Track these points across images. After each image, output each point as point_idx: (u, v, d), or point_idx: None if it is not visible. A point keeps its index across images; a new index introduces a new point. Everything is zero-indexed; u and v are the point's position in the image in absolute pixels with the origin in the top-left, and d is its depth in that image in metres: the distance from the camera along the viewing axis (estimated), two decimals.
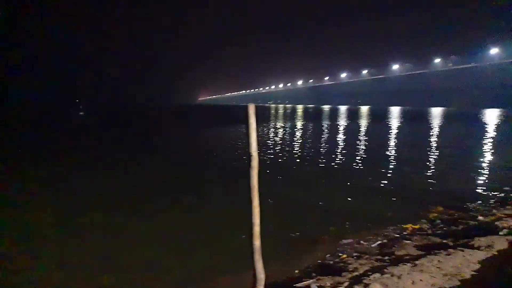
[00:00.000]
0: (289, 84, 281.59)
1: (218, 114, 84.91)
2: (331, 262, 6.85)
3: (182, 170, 16.43)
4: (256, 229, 3.68)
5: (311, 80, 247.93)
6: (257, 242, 3.67)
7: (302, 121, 54.97)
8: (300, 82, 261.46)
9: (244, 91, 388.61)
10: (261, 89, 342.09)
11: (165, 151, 23.41)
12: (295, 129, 39.35)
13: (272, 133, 33.68)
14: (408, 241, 7.45)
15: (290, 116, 73.06)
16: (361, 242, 7.82)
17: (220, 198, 11.49)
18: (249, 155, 3.71)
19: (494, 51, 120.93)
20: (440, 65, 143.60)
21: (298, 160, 18.44)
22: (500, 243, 6.20)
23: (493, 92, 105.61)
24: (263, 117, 64.70)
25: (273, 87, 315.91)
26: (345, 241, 7.88)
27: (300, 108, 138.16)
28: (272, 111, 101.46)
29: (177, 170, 16.45)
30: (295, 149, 22.73)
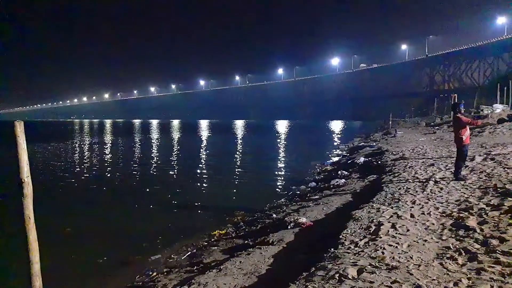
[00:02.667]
0: (94, 98, 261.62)
1: None
2: (141, 283, 6.53)
3: None
4: (36, 267, 3.09)
5: (119, 94, 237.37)
6: (37, 283, 3.09)
7: (112, 136, 51.75)
8: (106, 95, 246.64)
9: (38, 105, 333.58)
10: (61, 103, 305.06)
11: None
12: (103, 145, 36.64)
13: (72, 150, 30.44)
14: (216, 247, 7.81)
15: (97, 132, 67.70)
16: (172, 256, 7.76)
17: None
18: (19, 181, 3.11)
19: (280, 71, 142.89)
20: (240, 82, 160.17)
21: (98, 179, 17.14)
22: (288, 236, 7.14)
23: (281, 106, 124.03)
24: (66, 133, 57.89)
25: (75, 100, 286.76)
26: (154, 258, 7.66)
27: (108, 122, 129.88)
28: (76, 127, 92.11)
29: None
30: (100, 165, 21.09)
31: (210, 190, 14.39)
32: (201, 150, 31.41)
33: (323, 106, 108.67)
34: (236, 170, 19.24)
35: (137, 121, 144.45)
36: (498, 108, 26.54)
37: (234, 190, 14.27)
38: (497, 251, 4.27)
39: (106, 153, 29.18)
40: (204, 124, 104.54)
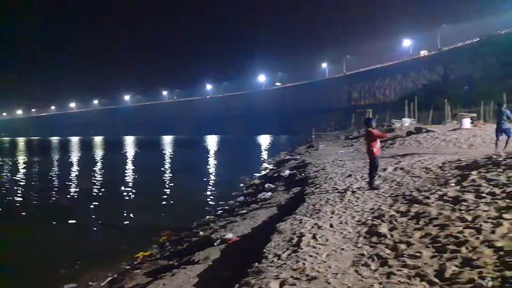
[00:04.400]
0: (4, 114, 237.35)
1: None
2: None
3: None
4: None
5: (34, 110, 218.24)
6: None
7: (24, 156, 47.19)
8: (19, 112, 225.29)
9: None
10: None
11: None
12: (16, 166, 33.24)
13: None
14: (138, 270, 7.43)
15: (8, 151, 61.29)
16: (89, 283, 7.22)
17: None
18: None
19: (209, 87, 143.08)
20: (167, 97, 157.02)
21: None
22: (214, 253, 7.05)
23: (210, 121, 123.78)
24: None
25: None
26: (69, 287, 7.06)
27: (22, 141, 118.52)
28: None
29: None
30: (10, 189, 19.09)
31: (135, 209, 13.74)
32: (126, 167, 29.99)
33: (252, 121, 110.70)
34: (163, 187, 18.66)
35: (55, 139, 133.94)
36: (407, 121, 29.28)
37: (161, 209, 13.80)
38: (405, 255, 4.63)
39: (21, 175, 26.52)
40: (129, 140, 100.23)
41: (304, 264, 4.86)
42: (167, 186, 19.23)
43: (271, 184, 14.51)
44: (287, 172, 16.40)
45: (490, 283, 3.45)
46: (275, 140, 68.68)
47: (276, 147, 46.40)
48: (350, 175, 11.43)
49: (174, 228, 10.79)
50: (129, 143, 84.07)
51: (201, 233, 9.39)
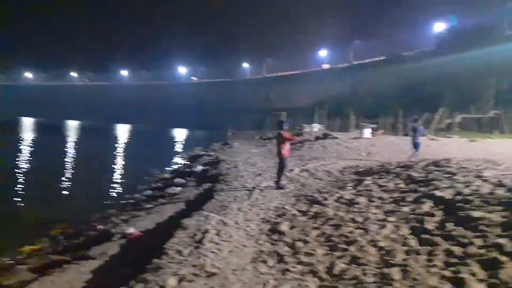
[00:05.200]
0: None
1: None
2: None
3: None
4: None
5: None
6: None
7: None
8: None
9: None
10: None
11: None
12: None
13: None
14: (23, 266, 6.73)
15: None
16: None
17: None
18: None
19: (124, 73, 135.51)
20: (78, 79, 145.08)
21: None
22: (113, 248, 6.70)
23: (123, 109, 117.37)
24: None
25: None
26: None
27: None
28: None
29: None
30: None
31: (27, 199, 12.43)
32: (19, 153, 26.97)
33: (168, 113, 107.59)
34: (63, 177, 17.18)
35: None
36: (316, 127, 31.15)
37: (58, 200, 12.71)
38: (301, 252, 4.88)
39: None
40: (28, 122, 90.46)
41: (205, 260, 4.85)
42: (67, 176, 17.76)
43: (181, 179, 14.26)
44: (199, 167, 16.26)
45: (371, 279, 3.80)
46: (191, 135, 67.68)
47: (192, 142, 45.78)
48: (260, 174, 11.74)
49: (72, 221, 10.02)
50: (27, 125, 75.85)
51: (100, 226, 8.85)
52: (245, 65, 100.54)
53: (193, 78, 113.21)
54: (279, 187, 9.26)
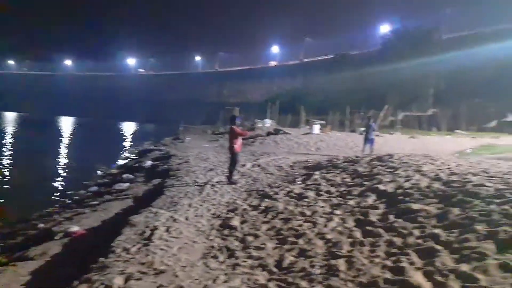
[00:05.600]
0: None
1: None
2: None
3: None
4: None
5: None
6: None
7: None
8: None
9: None
10: None
11: None
12: None
13: None
14: None
15: None
16: None
17: None
18: None
19: (68, 62, 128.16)
20: (15, 68, 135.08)
21: None
22: (55, 248, 6.35)
23: (67, 101, 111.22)
24: None
25: None
26: None
27: None
28: None
29: None
30: None
31: None
32: None
33: (116, 105, 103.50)
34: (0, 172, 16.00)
35: None
36: (268, 122, 31.50)
37: None
38: (251, 247, 4.92)
39: None
40: None
41: (153, 257, 4.74)
42: (3, 172, 16.55)
43: (130, 175, 13.81)
44: (149, 162, 15.84)
45: (318, 271, 3.92)
46: (141, 129, 65.65)
47: (141, 136, 44.44)
48: (211, 169, 11.67)
49: (8, 220, 9.36)
50: None
51: (41, 225, 8.35)
52: (198, 58, 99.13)
53: (140, 70, 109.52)
54: (231, 182, 9.27)
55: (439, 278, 3.35)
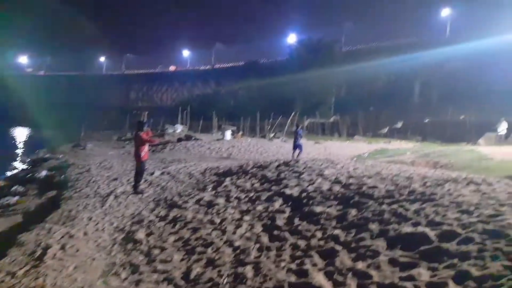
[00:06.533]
0: None
1: None
2: None
3: None
4: None
5: None
6: None
7: None
8: None
9: None
10: None
11: None
12: None
13: None
14: None
15: None
16: None
17: None
18: None
19: None
20: None
21: None
22: None
23: None
24: None
25: None
26: None
27: None
28: None
29: None
30: None
31: None
32: None
33: (4, 108, 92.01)
34: None
35: None
36: (179, 128, 30.83)
37: None
38: (157, 260, 4.69)
39: None
40: None
41: (44, 280, 4.24)
42: None
43: (20, 187, 12.30)
44: (44, 173, 14.30)
45: (225, 280, 3.88)
46: (36, 134, 59.24)
47: (36, 142, 40.09)
48: (116, 179, 10.96)
49: None
50: None
51: None
52: (102, 59, 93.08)
53: (29, 69, 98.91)
54: (137, 192, 8.80)
55: (339, 278, 3.55)
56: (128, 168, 12.99)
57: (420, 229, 4.18)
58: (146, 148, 8.99)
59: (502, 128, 22.47)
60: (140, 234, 5.72)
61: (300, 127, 16.71)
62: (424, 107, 39.49)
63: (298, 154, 15.03)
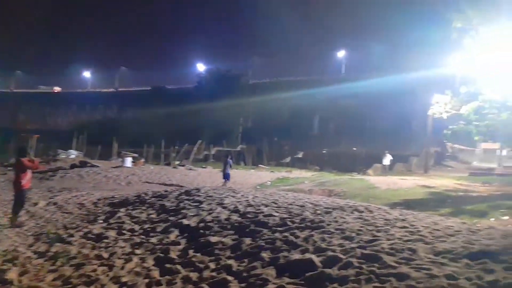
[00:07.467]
0: None
1: None
2: None
3: None
4: None
5: None
6: None
7: None
8: None
9: None
10: None
11: None
12: None
13: None
14: None
15: None
16: None
17: None
18: None
19: None
20: None
21: None
22: None
23: None
24: None
25: None
26: None
27: None
28: None
29: None
30: None
31: None
32: None
33: None
34: None
35: None
36: (73, 154, 28.43)
37: None
38: None
39: None
40: None
41: None
42: None
43: None
44: None
45: None
46: None
47: None
48: None
49: None
50: None
51: None
52: None
53: None
54: (14, 225, 7.76)
55: None
56: (8, 199, 11.45)
57: (307, 255, 4.39)
58: (28, 175, 8.07)
59: (387, 160, 25.47)
60: (12, 274, 5.00)
61: (229, 157, 16.87)
62: (322, 139, 42.72)
63: (226, 182, 15.11)
